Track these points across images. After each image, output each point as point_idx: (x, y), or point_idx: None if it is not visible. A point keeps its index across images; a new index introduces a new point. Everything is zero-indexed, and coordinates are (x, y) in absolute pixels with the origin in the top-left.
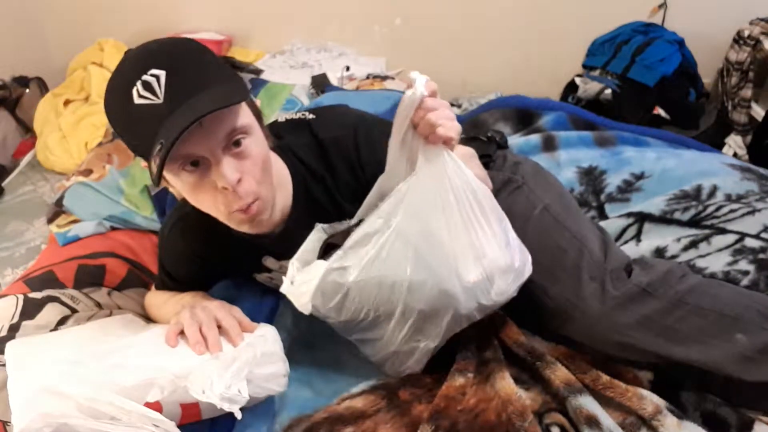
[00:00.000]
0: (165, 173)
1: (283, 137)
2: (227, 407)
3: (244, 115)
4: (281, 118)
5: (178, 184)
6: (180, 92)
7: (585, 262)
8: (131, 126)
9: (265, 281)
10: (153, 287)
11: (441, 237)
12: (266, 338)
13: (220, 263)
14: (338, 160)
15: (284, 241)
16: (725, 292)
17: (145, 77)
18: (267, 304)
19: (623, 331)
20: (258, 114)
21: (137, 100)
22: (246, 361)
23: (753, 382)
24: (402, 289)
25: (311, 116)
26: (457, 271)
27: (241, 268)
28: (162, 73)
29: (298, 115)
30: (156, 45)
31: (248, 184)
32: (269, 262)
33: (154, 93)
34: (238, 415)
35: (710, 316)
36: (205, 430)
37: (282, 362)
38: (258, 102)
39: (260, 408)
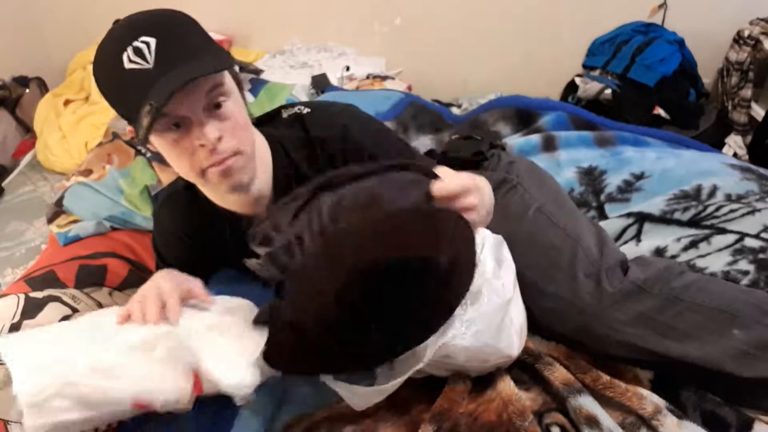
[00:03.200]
0: (151, 136)
1: (277, 128)
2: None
3: (227, 81)
4: (284, 113)
5: (162, 145)
6: (169, 58)
7: (580, 260)
8: (121, 91)
9: (256, 268)
10: None
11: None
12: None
13: (209, 246)
14: (324, 159)
15: None
16: (723, 289)
17: (135, 43)
18: (265, 296)
19: (619, 328)
20: (240, 86)
21: (128, 65)
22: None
23: (751, 379)
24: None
25: (306, 110)
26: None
27: (230, 252)
28: (152, 40)
29: (296, 109)
30: (146, 14)
31: (227, 143)
32: (259, 248)
33: (144, 58)
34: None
35: (707, 312)
36: (205, 428)
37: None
38: (243, 91)
39: (260, 406)
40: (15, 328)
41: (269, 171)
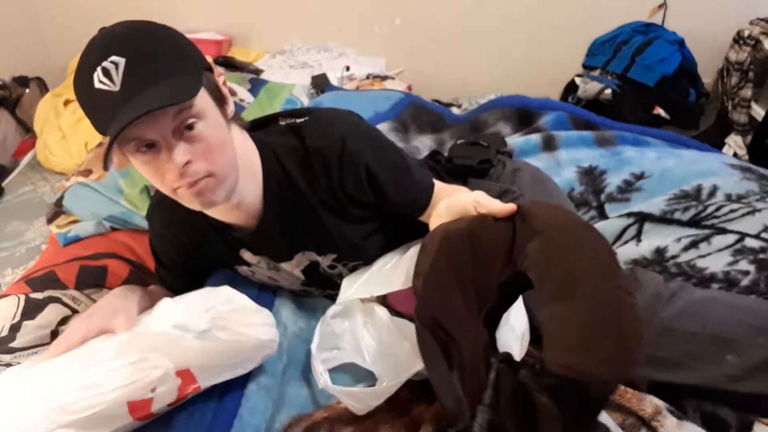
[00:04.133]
0: (125, 154)
1: (270, 134)
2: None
3: (199, 101)
4: (281, 121)
5: (135, 163)
6: (135, 82)
7: None
8: (92, 109)
9: (247, 275)
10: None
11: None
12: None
13: (200, 250)
14: (320, 170)
15: (258, 240)
16: (716, 311)
17: (105, 63)
18: (263, 301)
19: None
20: (220, 98)
21: (97, 85)
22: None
23: (746, 393)
24: None
25: (303, 119)
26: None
27: (221, 259)
28: (122, 61)
29: (293, 119)
30: (121, 29)
31: (197, 165)
32: (247, 255)
33: (111, 80)
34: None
35: (699, 339)
36: (204, 428)
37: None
38: (222, 80)
39: (260, 407)
40: (15, 328)
41: (258, 181)
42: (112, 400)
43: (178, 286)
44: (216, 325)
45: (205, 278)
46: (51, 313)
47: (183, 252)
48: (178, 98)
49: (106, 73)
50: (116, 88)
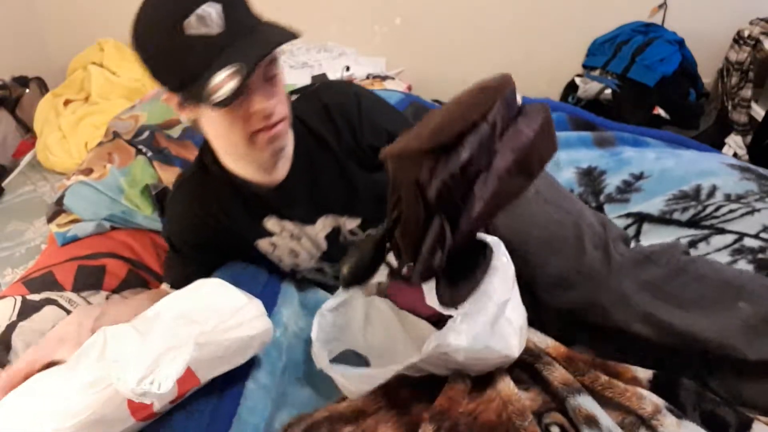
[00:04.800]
0: (194, 109)
1: (293, 105)
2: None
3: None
4: (293, 95)
5: (210, 116)
6: (235, 26)
7: (586, 233)
8: (176, 58)
9: (267, 252)
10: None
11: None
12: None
13: (221, 229)
14: (342, 122)
15: (285, 197)
16: (728, 267)
17: (199, 11)
18: (266, 299)
19: (627, 294)
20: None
21: (191, 32)
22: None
23: (757, 363)
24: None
25: (314, 87)
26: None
27: (242, 234)
28: (217, 6)
29: (304, 90)
30: None
31: (279, 108)
32: (270, 223)
33: (208, 25)
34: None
35: (713, 283)
36: (203, 428)
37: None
38: None
39: (259, 406)
40: (11, 328)
41: (292, 138)
42: (109, 399)
43: (187, 276)
44: (209, 322)
45: (217, 268)
46: (47, 315)
47: (203, 233)
48: (291, 36)
49: (201, 19)
50: (216, 32)
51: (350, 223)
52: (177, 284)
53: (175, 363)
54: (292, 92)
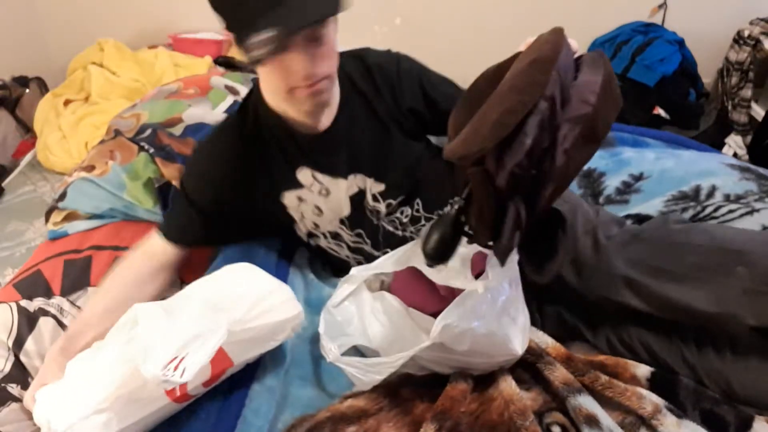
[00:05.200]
0: (248, 46)
1: (341, 61)
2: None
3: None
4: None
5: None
6: None
7: (578, 219)
8: (235, 8)
9: (291, 206)
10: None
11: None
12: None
13: (251, 174)
14: (382, 82)
15: (323, 146)
16: (726, 231)
17: None
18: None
19: (619, 274)
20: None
21: None
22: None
23: (756, 330)
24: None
25: (360, 50)
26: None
27: (272, 182)
28: None
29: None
30: None
31: (320, 68)
32: (302, 174)
33: None
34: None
35: (708, 251)
36: (208, 429)
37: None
38: None
39: (263, 407)
40: (17, 344)
41: (338, 88)
42: (132, 369)
43: (189, 232)
44: (239, 309)
45: (226, 234)
46: (44, 333)
47: (231, 179)
48: (335, 11)
49: None
50: None
51: (375, 187)
52: (172, 235)
53: (199, 352)
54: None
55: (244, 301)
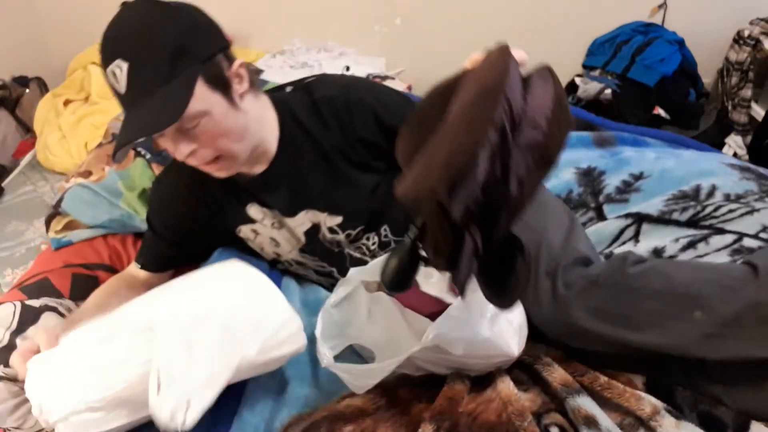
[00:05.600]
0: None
1: (283, 95)
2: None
3: (198, 104)
4: (289, 87)
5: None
6: (136, 90)
7: (542, 256)
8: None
9: (249, 238)
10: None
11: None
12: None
13: (206, 212)
14: (329, 116)
15: (267, 185)
16: (683, 271)
17: (112, 67)
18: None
19: (577, 323)
20: (225, 84)
21: (110, 82)
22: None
23: (721, 362)
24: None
25: (309, 80)
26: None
27: (226, 218)
28: (124, 66)
29: (300, 82)
30: (127, 27)
31: (203, 153)
32: (253, 210)
33: (118, 82)
34: None
35: (665, 297)
36: (204, 426)
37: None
38: (237, 64)
39: (260, 406)
40: (14, 335)
41: (275, 131)
42: (138, 376)
43: (160, 259)
44: (254, 345)
45: (194, 257)
46: (47, 321)
47: (186, 216)
48: (177, 113)
49: (114, 75)
50: (122, 91)
51: (331, 221)
52: (148, 265)
53: (205, 398)
54: (287, 84)
55: (258, 335)
